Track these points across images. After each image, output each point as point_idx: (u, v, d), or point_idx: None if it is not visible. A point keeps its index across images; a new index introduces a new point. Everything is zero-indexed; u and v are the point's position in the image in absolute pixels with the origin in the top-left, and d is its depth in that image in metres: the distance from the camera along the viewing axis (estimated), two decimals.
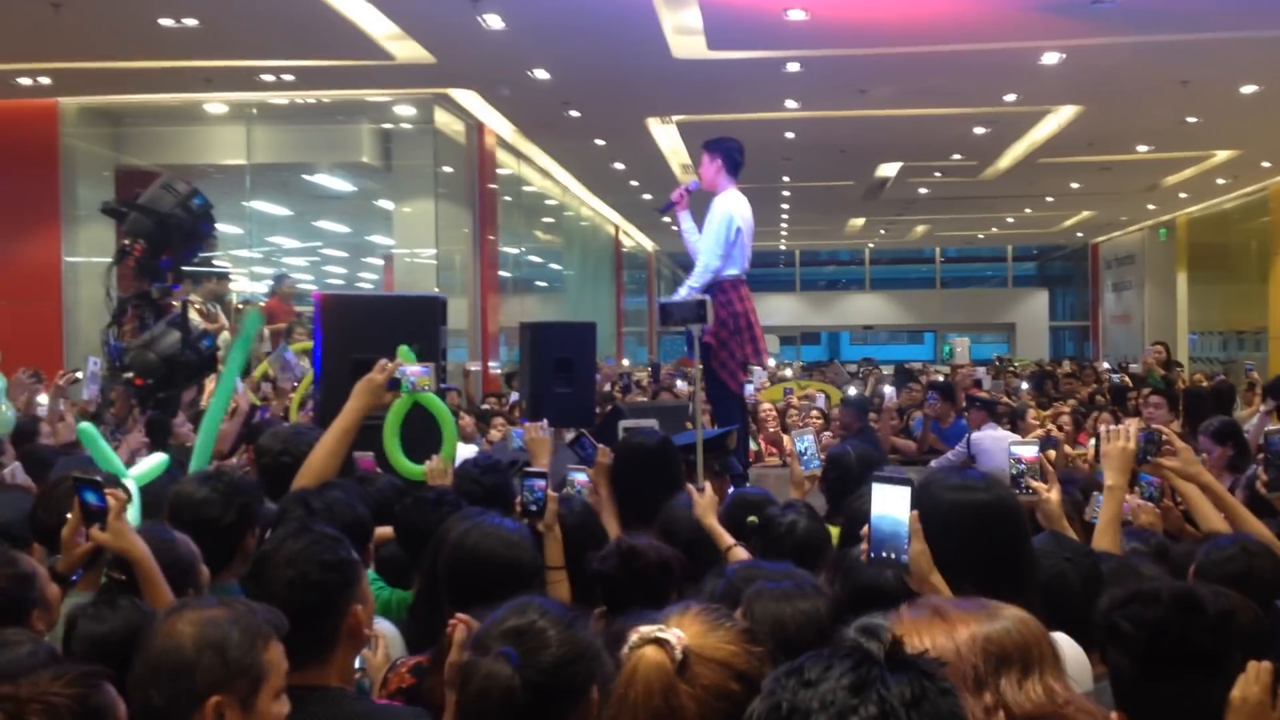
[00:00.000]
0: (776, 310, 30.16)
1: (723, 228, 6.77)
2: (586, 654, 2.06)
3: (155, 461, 4.48)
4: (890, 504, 2.42)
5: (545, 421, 4.64)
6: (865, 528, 2.44)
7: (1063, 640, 2.55)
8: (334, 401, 3.88)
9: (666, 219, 7.20)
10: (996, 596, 1.97)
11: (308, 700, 2.17)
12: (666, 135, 15.14)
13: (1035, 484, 3.12)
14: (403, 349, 4.28)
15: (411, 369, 3.86)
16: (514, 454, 5.56)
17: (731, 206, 6.85)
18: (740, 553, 3.41)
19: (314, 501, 3.20)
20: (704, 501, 3.64)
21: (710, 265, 6.73)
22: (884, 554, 2.41)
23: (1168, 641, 1.98)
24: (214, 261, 11.25)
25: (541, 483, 3.70)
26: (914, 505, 2.39)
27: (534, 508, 3.67)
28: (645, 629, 1.89)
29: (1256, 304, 19.56)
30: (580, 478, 4.12)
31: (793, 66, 11.25)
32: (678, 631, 1.88)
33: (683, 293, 6.77)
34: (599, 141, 15.63)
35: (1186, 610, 1.93)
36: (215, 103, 13.38)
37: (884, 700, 1.38)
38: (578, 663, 2.04)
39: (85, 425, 4.60)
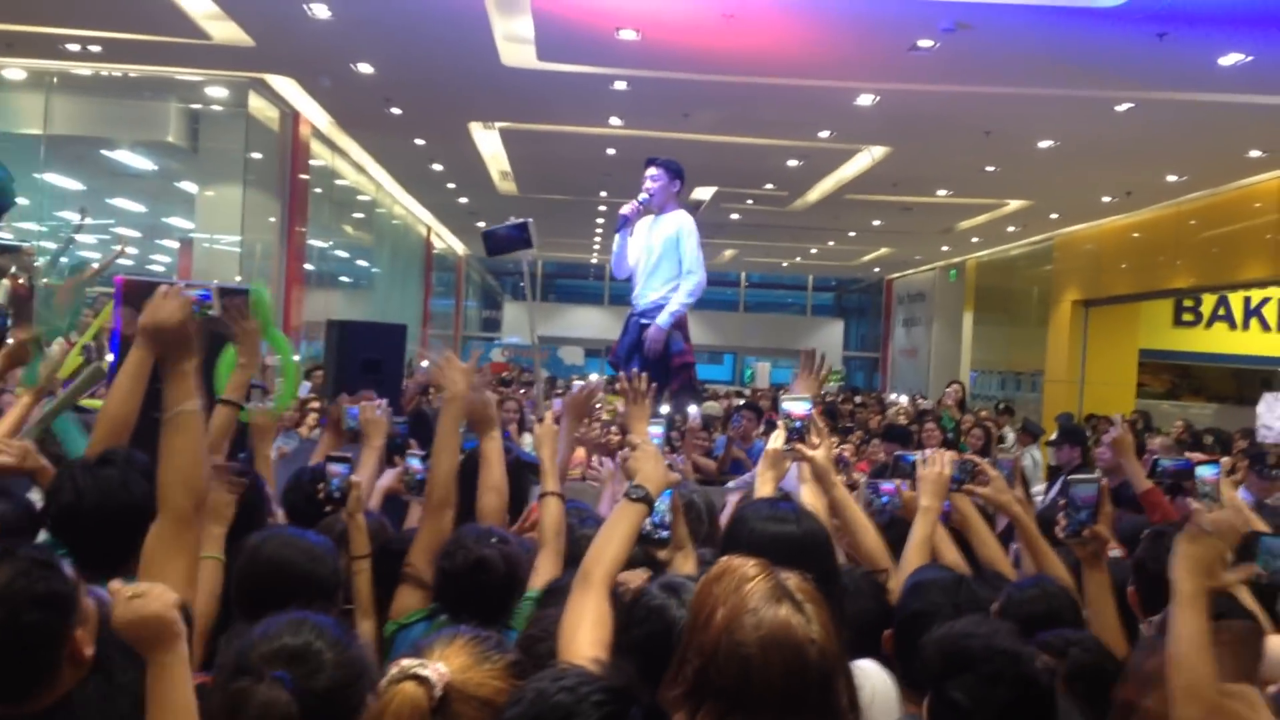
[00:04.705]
0: (585, 323, 30.28)
1: (697, 243, 6.96)
2: (362, 675, 2.01)
3: None
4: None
5: (384, 401, 4.36)
6: None
7: (872, 670, 2.65)
8: None
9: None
10: None
11: None
12: (488, 140, 15.05)
13: (803, 445, 3.42)
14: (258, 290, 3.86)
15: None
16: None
17: (693, 225, 6.99)
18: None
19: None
20: (542, 431, 3.67)
21: (702, 279, 6.95)
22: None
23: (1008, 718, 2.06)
24: None
25: (340, 468, 3.54)
26: (728, 536, 2.67)
27: (336, 495, 3.50)
28: (407, 662, 1.84)
29: (1035, 347, 20.67)
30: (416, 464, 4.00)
31: (620, 85, 11.37)
32: (440, 666, 1.84)
33: (674, 304, 7.07)
34: (419, 141, 15.42)
35: (1026, 685, 2.05)
36: (13, 69, 12.64)
37: None
38: (353, 685, 1.99)
39: None
